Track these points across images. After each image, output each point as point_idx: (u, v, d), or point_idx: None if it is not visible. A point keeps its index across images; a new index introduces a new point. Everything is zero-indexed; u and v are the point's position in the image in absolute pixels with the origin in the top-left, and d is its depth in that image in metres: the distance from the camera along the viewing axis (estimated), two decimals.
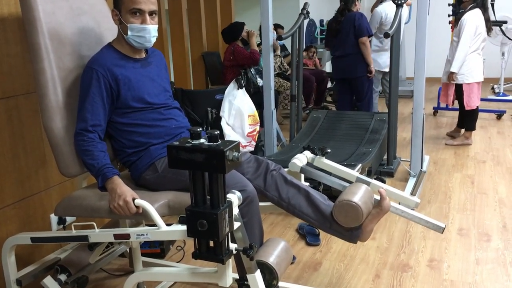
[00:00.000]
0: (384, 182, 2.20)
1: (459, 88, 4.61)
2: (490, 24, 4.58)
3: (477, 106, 4.70)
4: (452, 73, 4.53)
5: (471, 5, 4.50)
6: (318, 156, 2.22)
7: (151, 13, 1.94)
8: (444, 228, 2.02)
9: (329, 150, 2.22)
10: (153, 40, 1.98)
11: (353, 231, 1.98)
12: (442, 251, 2.67)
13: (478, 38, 4.49)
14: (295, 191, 2.04)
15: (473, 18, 4.45)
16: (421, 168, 3.64)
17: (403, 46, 6.65)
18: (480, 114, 5.91)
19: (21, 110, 2.30)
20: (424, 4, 3.44)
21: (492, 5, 5.95)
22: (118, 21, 1.95)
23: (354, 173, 2.19)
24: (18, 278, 2.05)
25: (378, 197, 2.01)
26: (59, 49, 1.93)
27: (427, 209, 3.22)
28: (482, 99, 6.53)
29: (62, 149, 1.90)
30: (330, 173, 2.24)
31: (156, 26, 1.97)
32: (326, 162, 2.23)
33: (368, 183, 2.11)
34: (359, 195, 1.94)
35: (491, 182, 3.69)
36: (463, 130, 4.90)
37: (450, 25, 5.82)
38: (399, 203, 2.12)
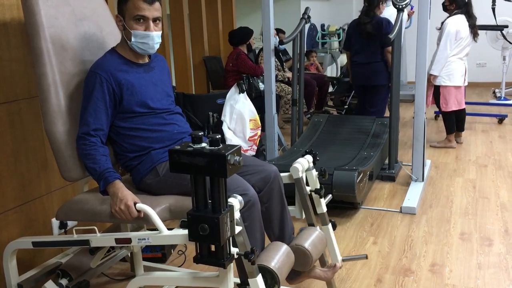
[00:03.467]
0: (335, 227, 2.29)
1: (436, 90, 4.67)
2: (476, 29, 4.61)
3: (464, 109, 4.76)
4: (431, 75, 4.57)
5: (455, 11, 4.57)
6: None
7: (155, 20, 1.94)
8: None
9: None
10: (157, 46, 1.99)
11: (294, 271, 2.03)
12: (444, 255, 2.66)
13: (459, 42, 4.53)
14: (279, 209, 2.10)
15: (455, 22, 4.50)
16: (423, 173, 3.65)
17: (404, 50, 6.64)
18: (482, 118, 5.95)
19: (23, 114, 2.31)
20: (425, 9, 3.44)
21: (493, 9, 5.96)
22: (122, 27, 1.95)
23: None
24: (19, 282, 2.05)
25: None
26: (61, 53, 1.94)
27: (429, 214, 3.22)
28: (483, 103, 6.58)
29: (63, 153, 1.90)
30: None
31: (160, 33, 1.97)
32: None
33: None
34: (315, 246, 2.01)
35: (493, 187, 3.69)
36: (462, 134, 4.91)
37: None
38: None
